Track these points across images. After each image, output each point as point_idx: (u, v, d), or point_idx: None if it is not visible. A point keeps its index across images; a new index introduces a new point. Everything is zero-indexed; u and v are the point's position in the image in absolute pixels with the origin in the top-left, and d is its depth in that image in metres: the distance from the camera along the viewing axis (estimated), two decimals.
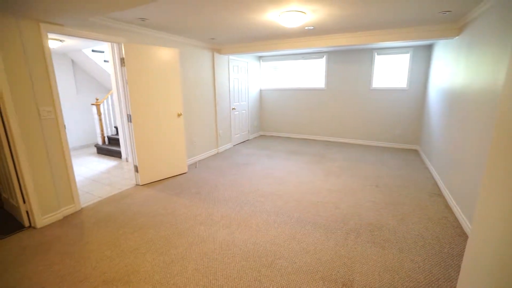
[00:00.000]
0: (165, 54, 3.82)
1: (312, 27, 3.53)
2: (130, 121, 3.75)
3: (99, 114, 5.81)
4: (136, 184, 3.93)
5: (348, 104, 6.04)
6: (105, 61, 5.91)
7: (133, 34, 3.57)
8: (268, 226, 2.63)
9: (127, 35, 3.50)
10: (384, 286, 1.83)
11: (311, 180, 3.86)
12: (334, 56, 6.01)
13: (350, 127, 6.13)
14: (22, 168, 2.60)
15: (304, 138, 6.71)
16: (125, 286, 1.85)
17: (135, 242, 2.38)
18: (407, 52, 5.35)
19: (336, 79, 6.07)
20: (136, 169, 3.92)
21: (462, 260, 1.84)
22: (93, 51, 5.70)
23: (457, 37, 3.42)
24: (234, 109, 6.02)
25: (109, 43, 4.23)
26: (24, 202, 2.68)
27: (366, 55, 5.62)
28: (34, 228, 2.67)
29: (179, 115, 4.17)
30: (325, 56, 6.17)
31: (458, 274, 1.91)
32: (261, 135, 7.34)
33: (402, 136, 5.66)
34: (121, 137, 5.19)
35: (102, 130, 5.92)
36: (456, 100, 3.20)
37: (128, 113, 3.74)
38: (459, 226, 2.60)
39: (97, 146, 5.94)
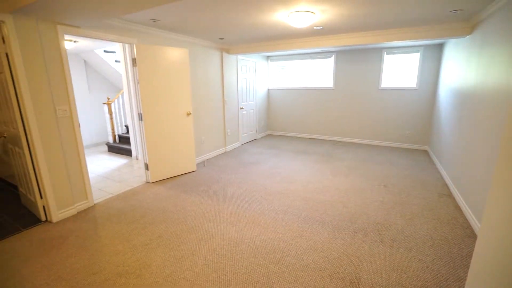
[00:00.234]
0: (175, 54, 3.89)
1: (321, 27, 3.54)
2: (141, 120, 3.83)
3: (110, 113, 5.95)
4: (146, 182, 4.01)
5: (356, 104, 6.00)
6: (116, 61, 6.04)
7: (144, 35, 3.65)
8: (276, 224, 2.66)
9: (139, 36, 3.58)
10: (391, 285, 1.84)
11: (319, 180, 3.87)
12: (343, 55, 5.98)
13: (358, 127, 6.09)
14: (39, 165, 2.71)
15: (312, 138, 6.70)
16: (138, 279, 1.91)
17: (146, 237, 2.45)
18: (417, 51, 5.28)
19: (344, 78, 6.04)
20: (147, 167, 4.01)
21: (471, 261, 1.84)
22: (105, 51, 5.83)
23: (468, 36, 3.37)
24: (242, 108, 6.06)
25: (121, 44, 4.34)
26: (41, 197, 2.78)
27: (375, 54, 5.58)
28: (50, 222, 2.78)
29: (188, 114, 4.23)
30: (333, 56, 6.14)
31: (467, 275, 1.91)
32: (268, 135, 7.37)
33: (411, 136, 5.60)
34: (131, 136, 5.30)
35: (113, 129, 6.06)
36: (467, 100, 3.16)
37: (139, 112, 3.82)
38: (469, 227, 2.57)
39: (108, 144, 6.08)
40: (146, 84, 3.69)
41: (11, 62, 2.50)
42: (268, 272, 1.97)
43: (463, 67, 3.48)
